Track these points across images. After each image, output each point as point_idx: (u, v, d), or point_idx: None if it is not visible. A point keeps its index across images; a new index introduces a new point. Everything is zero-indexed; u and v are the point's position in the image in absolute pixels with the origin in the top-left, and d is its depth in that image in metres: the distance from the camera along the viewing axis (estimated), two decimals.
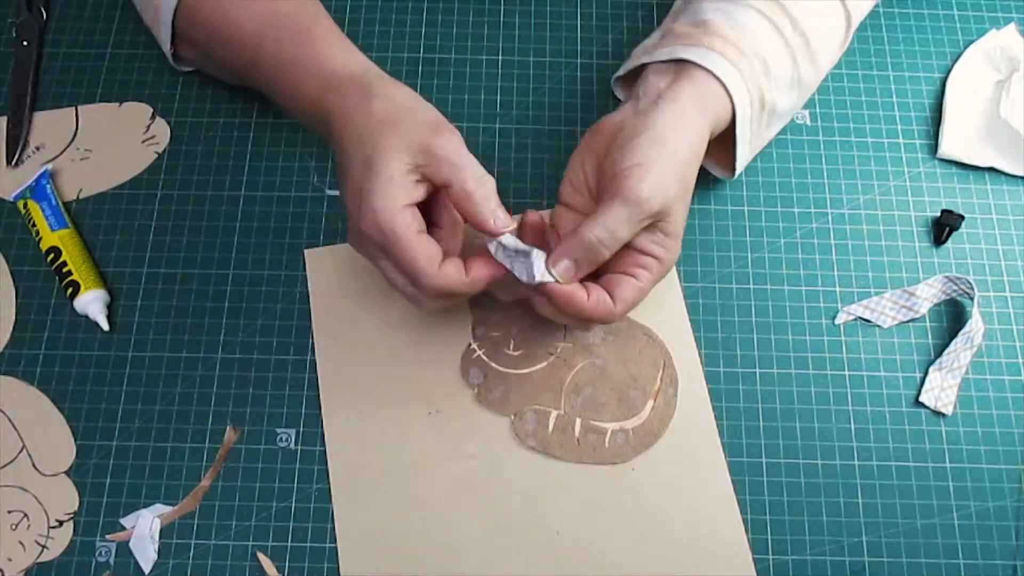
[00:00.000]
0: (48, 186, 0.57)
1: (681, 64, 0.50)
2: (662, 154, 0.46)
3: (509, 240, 0.46)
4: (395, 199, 0.44)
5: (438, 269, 0.45)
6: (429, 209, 0.48)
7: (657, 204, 0.45)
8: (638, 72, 0.53)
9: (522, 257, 0.46)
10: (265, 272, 0.56)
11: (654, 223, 0.47)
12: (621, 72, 0.56)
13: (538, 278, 0.45)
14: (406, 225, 0.44)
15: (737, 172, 0.54)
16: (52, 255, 0.55)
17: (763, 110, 0.51)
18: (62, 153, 0.60)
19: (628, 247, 0.47)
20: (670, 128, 0.47)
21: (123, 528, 0.50)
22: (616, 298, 0.47)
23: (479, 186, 0.45)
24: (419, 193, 0.46)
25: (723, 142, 0.53)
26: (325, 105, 0.48)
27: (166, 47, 0.58)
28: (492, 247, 0.46)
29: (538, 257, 0.46)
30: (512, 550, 0.50)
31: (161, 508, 0.51)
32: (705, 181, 0.59)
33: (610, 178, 0.46)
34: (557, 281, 0.46)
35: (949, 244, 0.57)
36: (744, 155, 0.53)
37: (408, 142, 0.45)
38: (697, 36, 0.50)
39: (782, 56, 0.51)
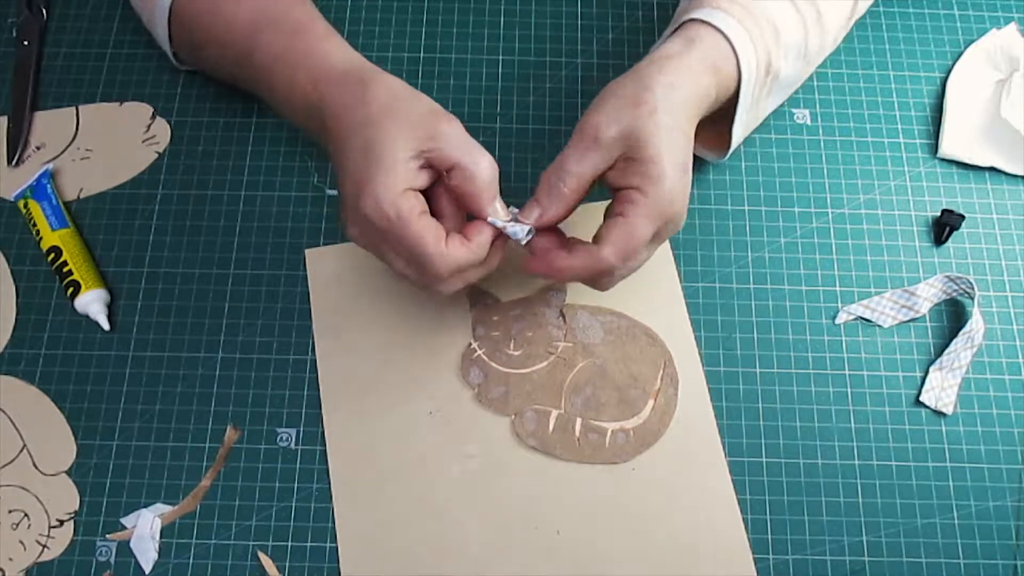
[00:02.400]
0: (49, 186, 0.57)
1: (686, 24, 0.49)
2: (619, 90, 0.46)
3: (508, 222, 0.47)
4: (397, 183, 0.44)
5: (446, 247, 0.44)
6: (429, 201, 0.48)
7: (612, 130, 0.45)
8: None
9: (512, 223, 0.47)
10: (265, 272, 0.56)
11: (629, 156, 0.45)
12: None
13: (522, 235, 0.46)
14: (410, 208, 0.44)
15: (733, 145, 0.53)
16: (52, 255, 0.55)
17: (768, 76, 0.51)
18: (63, 153, 0.60)
19: (611, 190, 0.47)
20: (644, 67, 0.47)
21: (124, 528, 0.50)
22: (604, 241, 0.45)
23: (487, 167, 0.45)
24: (422, 179, 0.45)
25: (714, 121, 0.52)
26: (320, 99, 0.47)
27: (166, 46, 0.58)
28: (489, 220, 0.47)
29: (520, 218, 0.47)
30: (512, 550, 0.50)
31: (162, 508, 0.51)
32: (705, 181, 0.59)
33: None
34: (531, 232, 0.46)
35: (949, 244, 0.57)
36: (741, 125, 0.52)
37: (411, 128, 0.45)
38: (708, 0, 0.49)
39: (794, 24, 0.51)
